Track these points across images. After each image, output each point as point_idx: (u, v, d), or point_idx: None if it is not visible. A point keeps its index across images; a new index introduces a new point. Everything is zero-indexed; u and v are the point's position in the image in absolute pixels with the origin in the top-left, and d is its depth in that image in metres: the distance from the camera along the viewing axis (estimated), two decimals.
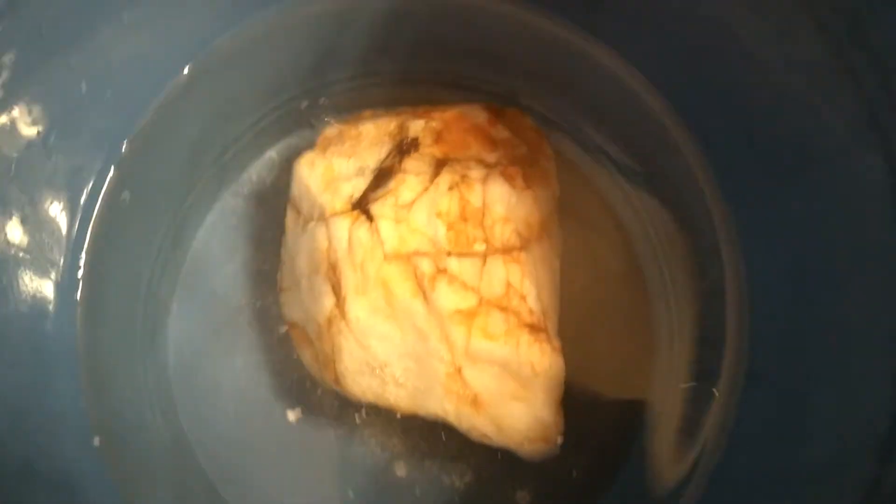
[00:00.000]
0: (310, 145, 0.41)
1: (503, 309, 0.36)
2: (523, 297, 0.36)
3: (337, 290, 0.37)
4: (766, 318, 0.35)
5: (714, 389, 0.37)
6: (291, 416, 0.42)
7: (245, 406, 0.42)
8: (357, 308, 0.36)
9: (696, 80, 0.36)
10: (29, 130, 0.32)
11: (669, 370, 0.40)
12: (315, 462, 0.41)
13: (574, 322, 0.40)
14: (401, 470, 0.41)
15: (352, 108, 0.44)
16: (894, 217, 0.27)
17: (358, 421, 0.42)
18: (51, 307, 0.34)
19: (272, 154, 0.44)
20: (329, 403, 0.42)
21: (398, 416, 0.38)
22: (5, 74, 0.30)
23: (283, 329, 0.42)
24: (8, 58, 0.30)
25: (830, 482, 0.28)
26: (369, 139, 0.41)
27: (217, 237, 0.43)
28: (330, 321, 0.37)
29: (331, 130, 0.41)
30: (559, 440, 0.37)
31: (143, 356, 0.39)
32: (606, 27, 0.38)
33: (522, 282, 0.36)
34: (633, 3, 0.35)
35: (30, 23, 0.30)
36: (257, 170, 0.44)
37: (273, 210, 0.43)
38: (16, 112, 0.31)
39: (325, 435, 0.41)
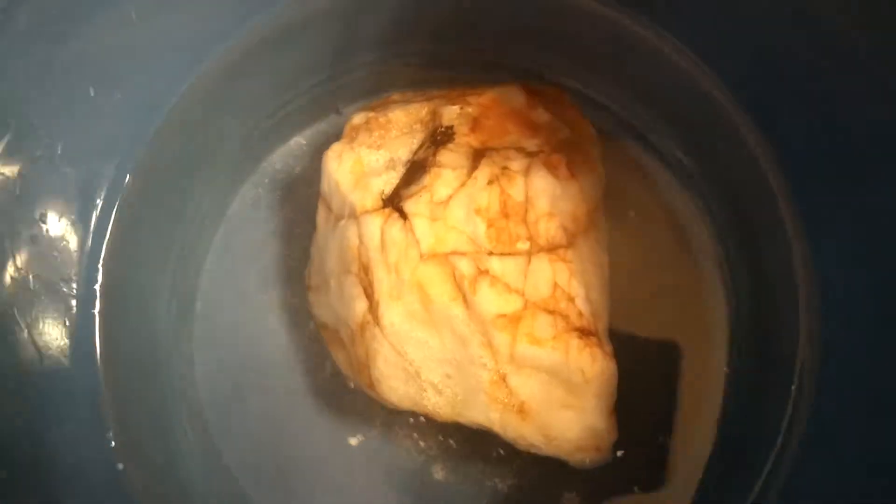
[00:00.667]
0: (339, 131, 0.39)
1: (550, 312, 0.34)
2: (572, 299, 0.34)
3: (369, 292, 0.35)
4: (837, 323, 0.32)
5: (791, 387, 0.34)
6: (323, 418, 0.40)
7: (275, 409, 0.40)
8: (391, 313, 0.34)
9: (755, 63, 0.33)
10: (33, 144, 0.29)
11: (732, 367, 0.38)
12: (351, 465, 0.40)
13: (623, 316, 0.38)
14: (439, 473, 0.39)
15: (380, 90, 0.42)
16: None
17: (391, 423, 0.40)
18: (69, 326, 0.33)
19: (300, 140, 0.42)
20: (362, 405, 0.40)
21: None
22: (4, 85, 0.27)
23: (312, 326, 0.41)
24: (2, 63, 0.27)
25: None
26: (399, 128, 0.38)
27: (242, 233, 0.42)
28: (363, 326, 0.35)
29: (358, 118, 0.38)
30: (613, 448, 0.35)
31: (167, 366, 0.38)
32: (658, 8, 0.34)
33: (570, 282, 0.34)
34: None
35: (29, 21, 0.27)
36: (283, 158, 0.42)
37: (303, 202, 0.41)
38: (16, 124, 0.28)
39: (360, 436, 0.40)
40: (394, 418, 0.40)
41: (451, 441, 0.40)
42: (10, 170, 0.29)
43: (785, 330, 0.36)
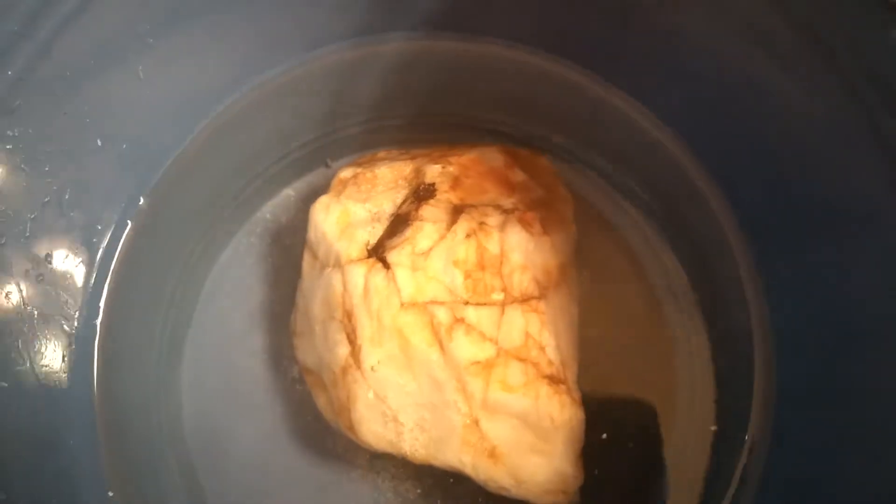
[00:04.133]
0: (326, 183, 0.41)
1: (522, 360, 0.35)
2: (542, 348, 0.36)
3: (352, 338, 0.37)
4: (793, 370, 0.34)
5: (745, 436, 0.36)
6: (305, 460, 0.41)
7: (259, 450, 0.42)
8: (372, 358, 0.36)
9: (721, 133, 0.36)
10: (43, 189, 0.32)
11: (692, 418, 0.40)
12: None
13: (593, 367, 0.39)
14: None
15: (367, 147, 0.45)
16: None
17: (371, 466, 0.41)
18: (67, 359, 0.34)
19: (289, 192, 0.44)
20: (343, 447, 0.42)
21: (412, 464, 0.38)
22: (17, 130, 0.29)
23: (295, 370, 0.42)
24: (19, 115, 0.30)
25: None
26: (385, 183, 0.40)
27: (231, 279, 0.44)
28: (345, 370, 0.37)
29: (345, 173, 0.41)
30: (577, 492, 0.37)
31: (157, 403, 0.39)
32: (629, 78, 0.38)
33: (541, 332, 0.36)
34: (657, 58, 0.35)
35: (42, 78, 0.30)
36: (273, 209, 0.44)
37: (289, 249, 0.43)
38: (28, 171, 0.31)
39: (338, 479, 0.41)
40: (373, 462, 0.41)
41: (427, 485, 0.41)
42: (21, 212, 0.31)
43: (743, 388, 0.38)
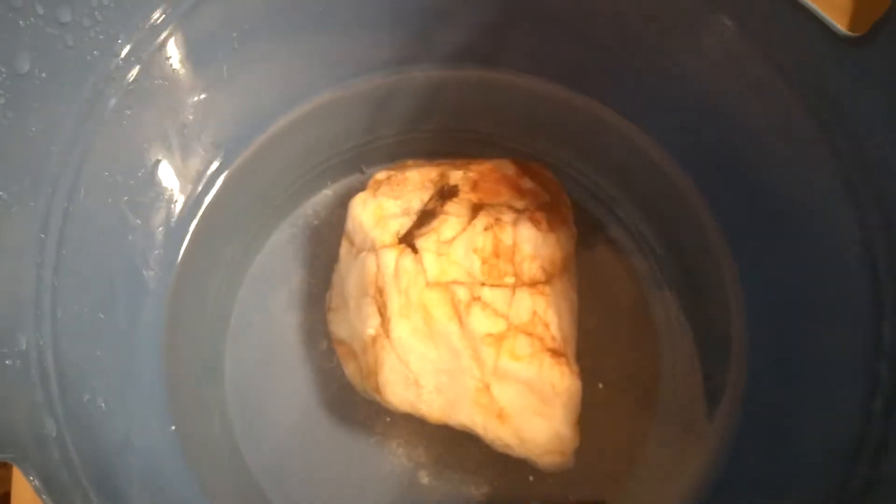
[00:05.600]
0: (361, 186, 0.47)
1: (529, 334, 0.40)
2: (547, 325, 0.41)
3: (382, 311, 0.42)
4: (761, 348, 0.40)
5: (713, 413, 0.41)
6: (329, 425, 0.46)
7: (290, 414, 0.46)
8: (400, 328, 0.41)
9: (700, 143, 0.41)
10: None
11: (674, 397, 0.45)
12: (350, 466, 0.45)
13: (588, 351, 0.45)
14: (425, 478, 0.45)
15: (397, 157, 0.50)
16: (862, 260, 0.33)
17: (388, 433, 0.46)
18: (150, 298, 0.40)
19: (328, 192, 0.50)
20: (363, 416, 0.46)
21: (427, 426, 0.43)
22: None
23: (325, 345, 0.47)
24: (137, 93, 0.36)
25: (811, 482, 0.33)
26: (414, 184, 0.46)
27: (274, 262, 0.49)
28: (374, 339, 0.42)
29: (380, 175, 0.47)
30: (574, 454, 0.42)
31: (205, 362, 0.44)
32: (622, 101, 0.44)
33: (546, 311, 0.41)
34: (646, 85, 0.42)
35: (158, 66, 0.36)
36: (314, 205, 0.50)
37: (325, 241, 0.49)
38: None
39: (358, 443, 0.46)
40: (389, 430, 0.46)
41: (437, 451, 0.46)
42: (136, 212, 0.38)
43: (720, 367, 0.43)
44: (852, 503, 0.30)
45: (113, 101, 0.35)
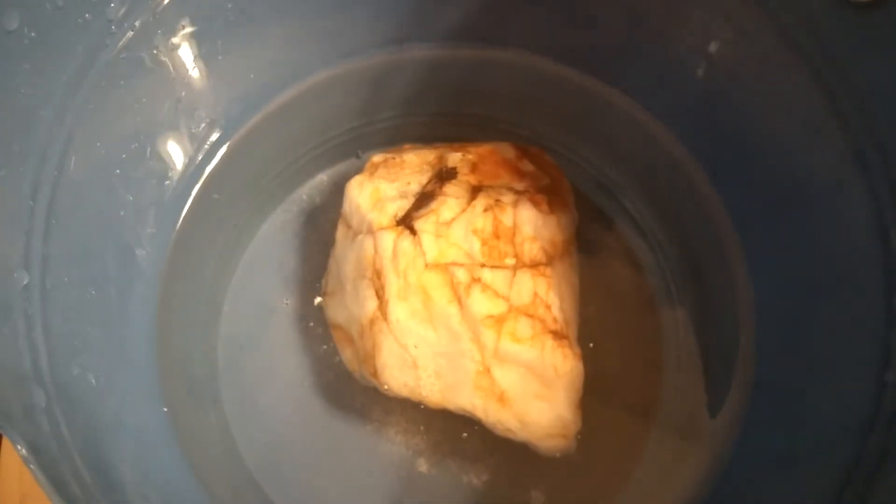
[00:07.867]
0: (356, 171, 0.46)
1: (530, 316, 0.40)
2: (548, 307, 0.40)
3: (380, 294, 0.41)
4: (769, 329, 0.39)
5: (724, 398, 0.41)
6: (324, 412, 0.45)
7: (283, 400, 0.45)
8: (398, 311, 0.40)
9: (706, 122, 0.41)
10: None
11: (678, 381, 0.44)
12: (347, 455, 0.44)
13: (589, 338, 0.44)
14: (423, 466, 0.44)
15: (394, 141, 0.50)
16: (874, 231, 0.32)
17: (384, 420, 0.45)
18: (142, 279, 0.39)
19: (323, 177, 0.49)
20: (359, 403, 0.45)
21: (425, 413, 0.42)
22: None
23: (320, 330, 0.47)
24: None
25: (824, 459, 0.32)
26: (411, 167, 0.46)
27: (268, 247, 0.48)
28: (372, 322, 0.41)
29: (377, 158, 0.46)
30: (576, 437, 0.41)
31: (197, 347, 0.43)
32: (627, 81, 0.44)
33: (548, 293, 0.40)
34: (653, 64, 0.41)
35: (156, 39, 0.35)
36: (309, 190, 0.49)
37: (320, 226, 0.48)
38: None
39: (353, 431, 0.45)
40: (385, 417, 0.45)
41: (434, 439, 0.45)
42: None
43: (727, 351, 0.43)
44: (867, 477, 0.30)
45: (105, 69, 0.34)
